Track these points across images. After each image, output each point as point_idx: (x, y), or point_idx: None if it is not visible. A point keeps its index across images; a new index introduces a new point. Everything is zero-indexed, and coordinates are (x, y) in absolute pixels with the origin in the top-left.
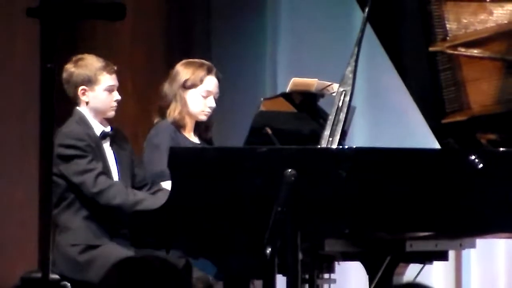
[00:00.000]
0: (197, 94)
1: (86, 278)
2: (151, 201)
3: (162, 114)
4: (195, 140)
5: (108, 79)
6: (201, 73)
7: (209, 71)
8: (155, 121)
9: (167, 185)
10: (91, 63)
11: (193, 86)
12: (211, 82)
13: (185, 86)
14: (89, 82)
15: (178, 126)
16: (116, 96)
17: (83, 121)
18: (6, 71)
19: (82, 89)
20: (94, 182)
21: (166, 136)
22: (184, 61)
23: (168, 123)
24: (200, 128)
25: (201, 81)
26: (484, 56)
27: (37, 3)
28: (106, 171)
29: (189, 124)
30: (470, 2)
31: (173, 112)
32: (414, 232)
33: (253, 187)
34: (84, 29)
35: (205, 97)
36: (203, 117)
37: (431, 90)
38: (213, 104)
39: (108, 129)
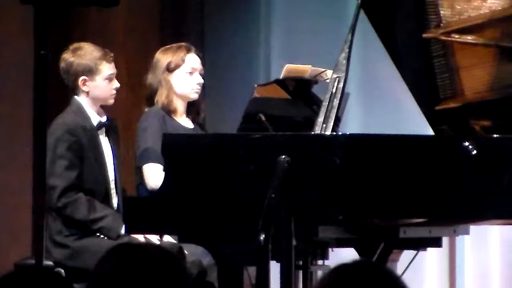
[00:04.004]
0: (182, 74)
1: (80, 264)
2: (110, 219)
3: (151, 103)
4: (188, 123)
5: (108, 68)
6: (181, 53)
7: (188, 50)
8: (145, 110)
9: (150, 167)
10: (90, 52)
11: (177, 66)
12: (193, 59)
13: (169, 69)
14: (90, 72)
15: (168, 111)
16: (116, 84)
17: (81, 111)
18: (0, 58)
19: (82, 79)
20: (59, 196)
21: (154, 120)
22: (161, 49)
23: (157, 109)
24: (192, 111)
25: (183, 60)
26: (477, 43)
27: None
28: (98, 167)
29: (180, 108)
30: None
31: (161, 97)
32: (408, 218)
33: (246, 173)
34: (77, 17)
35: (191, 75)
36: (194, 95)
37: (425, 76)
38: (201, 80)
39: (104, 119)
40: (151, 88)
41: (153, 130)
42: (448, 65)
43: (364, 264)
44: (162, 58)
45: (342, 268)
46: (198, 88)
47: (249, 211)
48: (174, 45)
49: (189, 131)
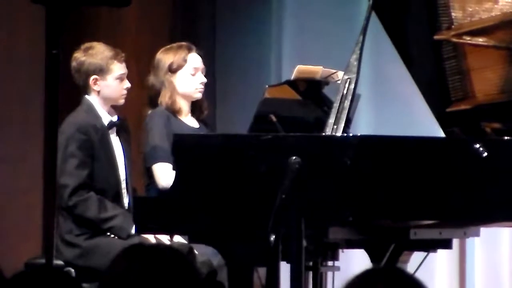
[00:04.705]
0: (185, 74)
1: (89, 264)
2: (120, 219)
3: (153, 104)
4: (193, 123)
5: (119, 68)
6: (182, 53)
7: (189, 49)
8: (148, 112)
9: (159, 167)
10: (102, 51)
11: (179, 67)
12: (195, 59)
13: (171, 70)
14: (101, 71)
15: (173, 111)
16: (127, 84)
17: (92, 111)
18: (11, 58)
19: (93, 79)
20: (70, 194)
21: (159, 120)
22: (162, 49)
23: (162, 109)
24: (196, 110)
25: (185, 60)
26: (489, 45)
27: None
28: (108, 166)
29: (185, 108)
30: None
31: (164, 98)
32: (418, 220)
33: (257, 174)
34: (89, 16)
35: (193, 75)
36: (198, 95)
37: (436, 78)
38: (204, 79)
39: (115, 118)
40: (154, 89)
41: (159, 130)
42: (459, 67)
43: (391, 270)
44: (164, 58)
45: (369, 274)
46: (201, 87)
47: (260, 212)
48: (174, 45)
49: (195, 130)
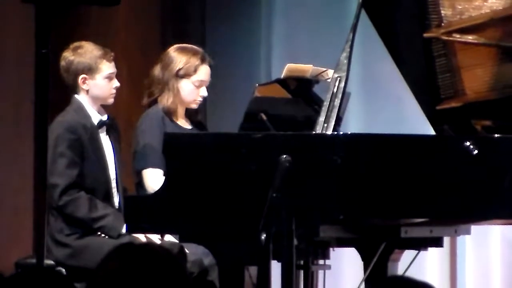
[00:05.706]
0: (190, 84)
1: (80, 263)
2: (111, 218)
3: (151, 96)
4: (186, 125)
5: (108, 67)
6: (195, 62)
7: (202, 60)
8: (143, 102)
9: (150, 173)
10: (91, 51)
11: (186, 75)
12: (204, 72)
13: (178, 75)
14: (90, 70)
15: (169, 113)
16: (116, 83)
17: (81, 110)
18: (2, 57)
19: (82, 78)
20: (61, 194)
21: (153, 123)
22: (177, 46)
23: (157, 110)
24: (190, 111)
25: (195, 70)
26: (479, 43)
27: None
28: (98, 165)
29: (180, 111)
30: None
31: (166, 101)
32: (409, 218)
33: (247, 173)
34: (78, 16)
35: (197, 87)
36: (194, 106)
37: (426, 76)
38: (205, 93)
39: (105, 117)
40: (156, 82)
41: (152, 132)
42: (449, 65)
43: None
44: (176, 59)
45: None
46: (200, 100)
47: (250, 211)
48: (191, 48)
49: (188, 131)
